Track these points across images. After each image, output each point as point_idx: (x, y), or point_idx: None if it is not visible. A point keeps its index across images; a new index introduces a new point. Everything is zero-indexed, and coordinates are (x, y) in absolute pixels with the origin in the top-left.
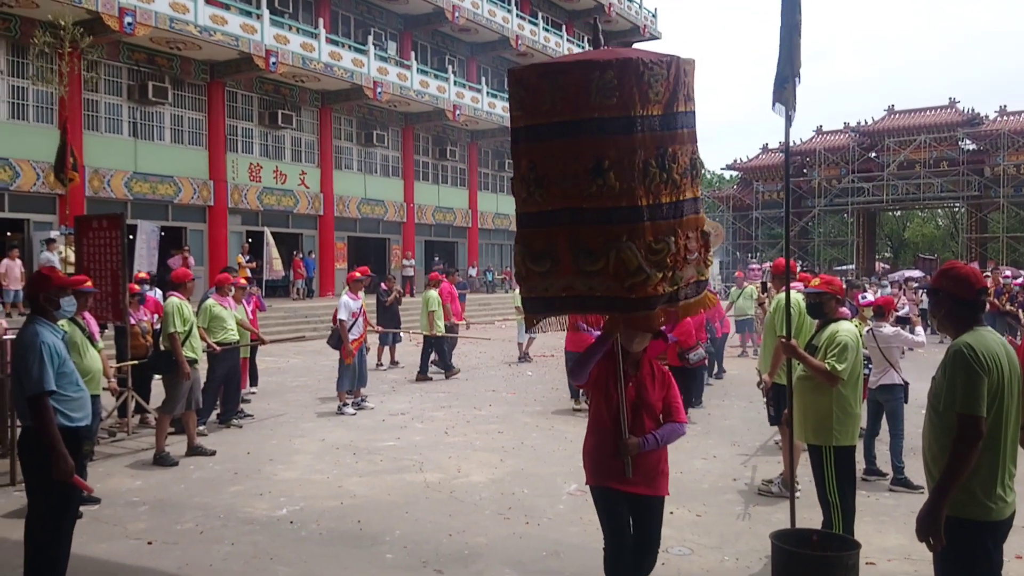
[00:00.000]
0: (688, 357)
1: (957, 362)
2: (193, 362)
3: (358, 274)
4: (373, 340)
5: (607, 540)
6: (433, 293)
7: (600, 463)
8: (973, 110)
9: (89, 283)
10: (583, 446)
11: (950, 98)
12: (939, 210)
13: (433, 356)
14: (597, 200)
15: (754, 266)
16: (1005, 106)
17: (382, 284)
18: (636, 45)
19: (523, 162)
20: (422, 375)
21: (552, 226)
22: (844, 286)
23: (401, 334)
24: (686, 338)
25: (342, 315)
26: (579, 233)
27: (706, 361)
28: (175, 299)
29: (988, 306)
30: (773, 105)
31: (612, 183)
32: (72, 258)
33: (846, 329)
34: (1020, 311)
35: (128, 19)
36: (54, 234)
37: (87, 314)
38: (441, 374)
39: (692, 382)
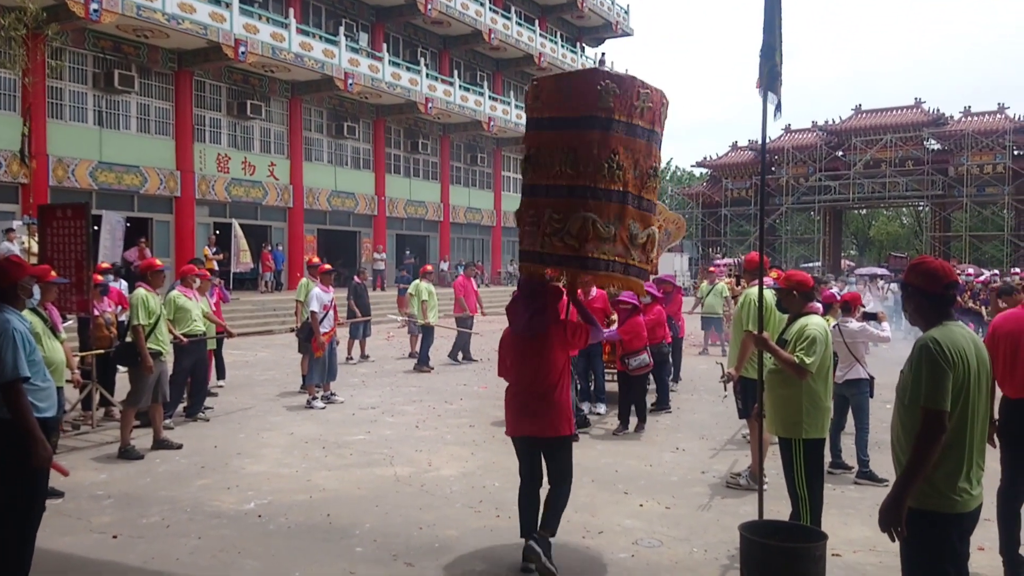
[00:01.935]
0: (629, 362)
1: (923, 356)
2: (158, 354)
3: (328, 266)
4: (343, 333)
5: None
6: (423, 284)
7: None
8: (938, 110)
9: (53, 273)
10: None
11: (916, 98)
12: (904, 209)
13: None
14: (568, 179)
15: (718, 261)
16: (969, 107)
17: (355, 277)
18: (608, 41)
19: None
20: (422, 366)
21: (534, 196)
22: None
23: (371, 328)
24: (632, 338)
25: (313, 307)
26: (553, 204)
27: (651, 368)
28: (141, 290)
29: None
30: (764, 94)
31: (579, 168)
32: (35, 248)
33: (815, 323)
34: (983, 308)
35: (94, 6)
36: (15, 224)
37: (49, 304)
38: (455, 364)
39: (635, 389)
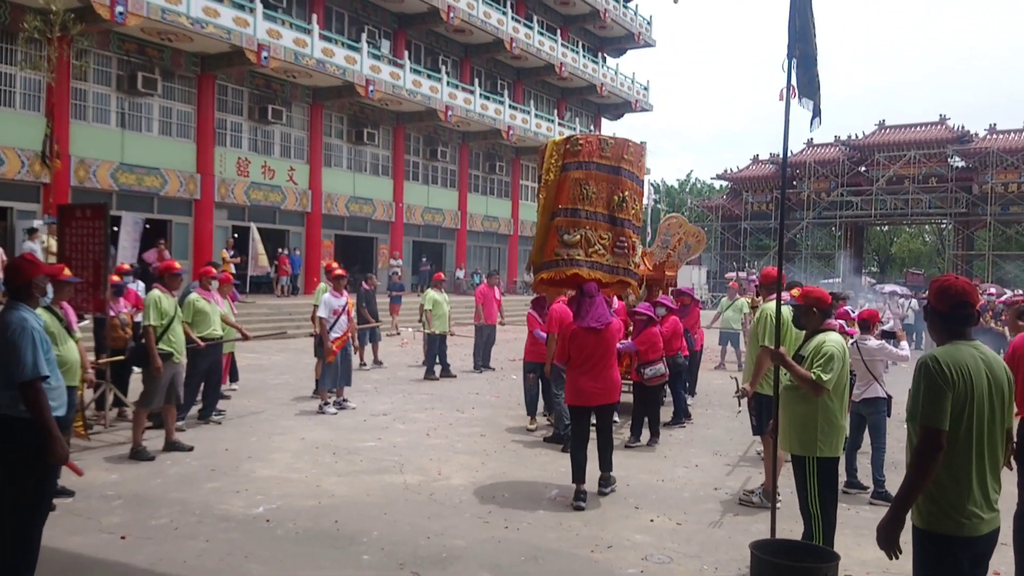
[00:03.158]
0: (644, 372)
1: (921, 374)
2: (169, 356)
3: (341, 271)
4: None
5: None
6: (431, 292)
7: None
8: (963, 127)
9: (68, 272)
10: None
11: (940, 115)
12: (926, 226)
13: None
14: (579, 203)
15: (753, 277)
16: (995, 124)
17: (364, 284)
18: (631, 52)
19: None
20: (430, 374)
21: (556, 218)
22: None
23: (381, 333)
24: (647, 349)
25: (322, 313)
26: (563, 223)
27: (666, 378)
28: (156, 291)
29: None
30: (800, 100)
31: (590, 195)
32: (54, 247)
33: (833, 340)
34: (1005, 329)
35: (119, 8)
36: (37, 223)
37: (65, 304)
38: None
39: (650, 400)
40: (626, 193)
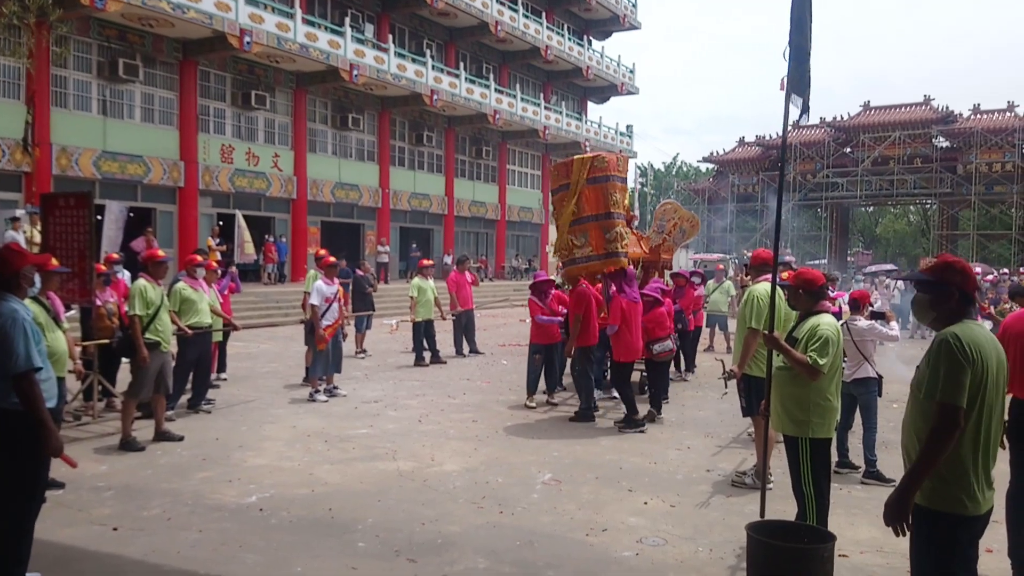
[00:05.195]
0: (653, 348)
1: (942, 351)
2: (156, 345)
3: (333, 259)
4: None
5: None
6: (416, 279)
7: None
8: (947, 108)
9: (55, 262)
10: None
11: (925, 95)
12: (911, 207)
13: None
14: (590, 210)
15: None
16: (979, 104)
17: (357, 271)
18: (616, 35)
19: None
20: (419, 360)
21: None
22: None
23: (372, 321)
24: (655, 326)
25: (314, 300)
26: (584, 227)
27: (673, 352)
28: (141, 280)
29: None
30: (789, 97)
31: (617, 201)
32: (37, 237)
33: (828, 322)
34: (992, 308)
35: None
36: (19, 212)
37: (52, 294)
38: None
39: (661, 375)
40: (617, 193)
